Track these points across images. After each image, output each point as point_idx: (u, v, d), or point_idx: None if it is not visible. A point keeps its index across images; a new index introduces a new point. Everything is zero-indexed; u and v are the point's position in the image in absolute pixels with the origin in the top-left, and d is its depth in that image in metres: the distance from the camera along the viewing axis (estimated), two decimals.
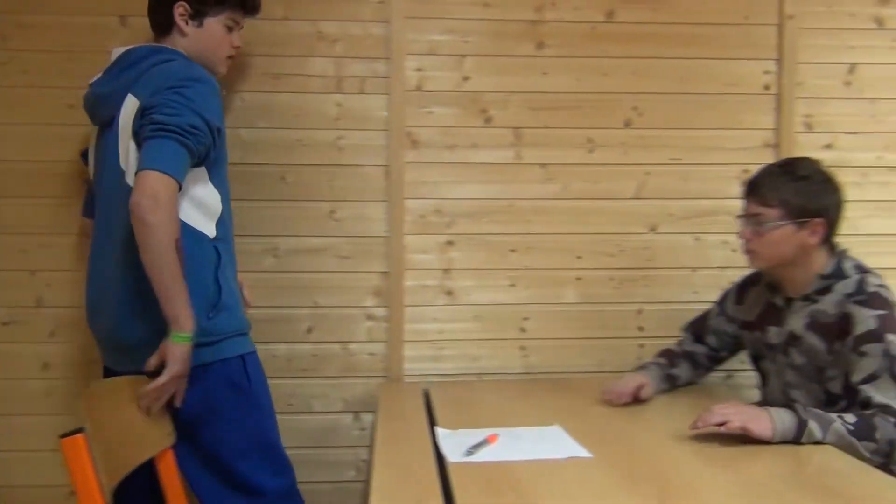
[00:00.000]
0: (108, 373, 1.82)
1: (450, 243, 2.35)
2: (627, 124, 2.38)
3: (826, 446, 1.58)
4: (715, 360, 2.14)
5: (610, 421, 1.79)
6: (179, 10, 1.81)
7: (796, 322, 1.83)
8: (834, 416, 1.62)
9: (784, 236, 1.78)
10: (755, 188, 1.82)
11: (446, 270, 2.35)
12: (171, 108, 1.60)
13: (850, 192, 2.41)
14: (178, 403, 1.67)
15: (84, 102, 1.86)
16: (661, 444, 1.60)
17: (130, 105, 1.69)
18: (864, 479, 1.41)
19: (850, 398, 1.74)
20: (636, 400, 1.93)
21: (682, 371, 2.09)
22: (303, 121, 2.30)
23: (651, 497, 1.29)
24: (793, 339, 1.83)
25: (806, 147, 2.40)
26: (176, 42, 1.83)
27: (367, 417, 2.32)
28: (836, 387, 1.77)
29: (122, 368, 1.72)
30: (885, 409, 1.63)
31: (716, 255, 2.42)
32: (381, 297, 2.33)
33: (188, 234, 1.67)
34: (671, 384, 2.07)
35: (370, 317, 2.34)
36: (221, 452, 1.73)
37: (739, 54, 2.40)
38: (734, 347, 2.10)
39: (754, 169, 2.39)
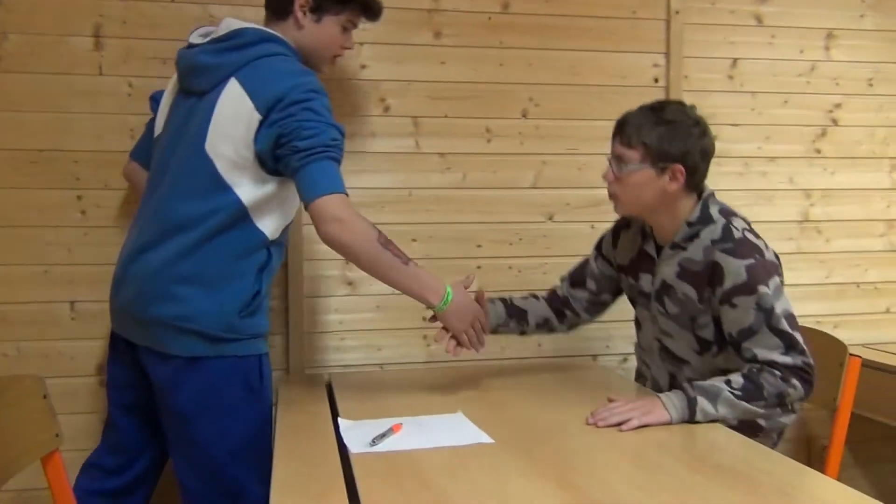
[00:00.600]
0: (116, 339, 1.80)
1: None
2: (524, 115, 2.41)
3: (717, 424, 1.65)
4: (597, 303, 2.09)
5: (511, 407, 1.81)
6: (300, 1, 1.75)
7: (667, 271, 1.81)
8: (720, 384, 1.64)
9: (644, 181, 1.73)
10: (621, 128, 1.76)
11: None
12: (308, 129, 1.58)
13: (732, 182, 2.55)
14: (480, 347, 1.85)
15: (178, 59, 1.78)
16: (561, 429, 1.63)
17: (234, 92, 1.63)
18: (752, 456, 1.47)
19: (720, 345, 1.79)
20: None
21: (535, 309, 2.06)
22: None
23: (551, 480, 1.31)
24: (665, 288, 1.82)
25: None
26: (288, 31, 1.76)
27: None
28: (707, 334, 1.79)
29: (135, 340, 1.73)
30: (770, 364, 1.65)
31: None
32: (280, 288, 2.28)
33: (249, 229, 1.66)
34: (513, 313, 2.04)
35: (270, 309, 2.27)
36: (217, 449, 1.67)
37: (629, 47, 2.46)
38: (615, 290, 2.07)
39: None
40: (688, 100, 2.47)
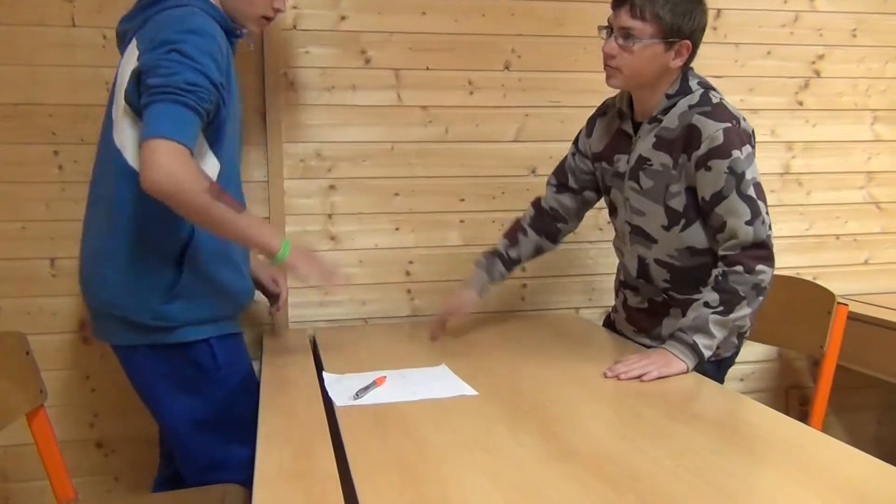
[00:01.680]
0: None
1: (332, 188, 2.30)
2: (507, 67, 2.37)
3: (695, 374, 1.66)
4: (582, 205, 2.05)
5: (494, 359, 1.82)
6: None
7: (644, 145, 1.78)
8: (701, 310, 1.66)
9: (652, 55, 1.68)
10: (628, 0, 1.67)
11: (329, 215, 2.30)
12: (165, 67, 1.44)
13: None
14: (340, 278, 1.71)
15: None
16: (544, 380, 1.64)
17: (130, 54, 1.55)
18: (731, 405, 1.49)
19: (688, 218, 1.76)
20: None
21: (526, 246, 2.05)
22: None
23: (534, 430, 1.32)
24: (641, 162, 1.79)
25: None
26: None
27: (253, 365, 2.26)
28: (677, 204, 1.76)
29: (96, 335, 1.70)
30: (732, 250, 1.66)
31: None
32: None
33: (160, 206, 1.48)
34: (513, 265, 2.06)
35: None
36: (180, 423, 1.66)
37: None
38: (596, 186, 2.02)
39: None
40: None
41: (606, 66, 1.74)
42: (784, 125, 2.59)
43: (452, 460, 1.19)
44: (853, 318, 2.23)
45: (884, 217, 2.70)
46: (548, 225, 2.06)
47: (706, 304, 1.66)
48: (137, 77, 1.49)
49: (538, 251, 2.08)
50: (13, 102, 2.10)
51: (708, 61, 2.50)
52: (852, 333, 2.17)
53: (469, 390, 1.55)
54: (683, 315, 1.74)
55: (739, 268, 1.65)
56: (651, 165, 1.77)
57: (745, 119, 1.72)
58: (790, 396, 2.69)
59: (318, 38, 2.25)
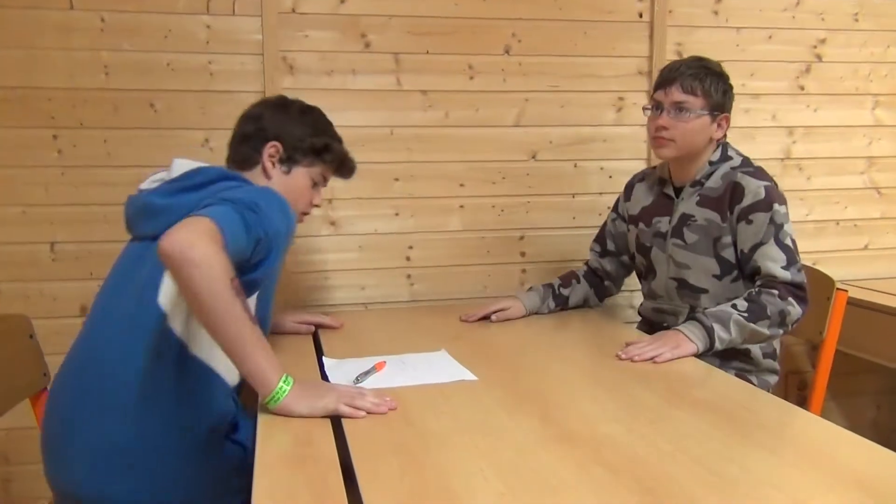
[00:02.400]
0: None
1: None
2: (507, 51, 2.36)
3: (695, 360, 1.67)
4: (622, 269, 2.18)
5: (494, 344, 1.82)
6: (271, 151, 1.64)
7: (687, 205, 1.92)
8: (728, 308, 1.74)
9: (700, 127, 1.85)
10: (678, 77, 1.84)
11: (329, 200, 2.30)
12: (230, 192, 1.41)
13: None
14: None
15: (126, 205, 1.60)
16: (544, 365, 1.64)
17: None
18: (730, 390, 1.49)
19: (740, 267, 1.86)
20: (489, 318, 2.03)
21: (578, 291, 2.14)
22: (171, 43, 2.15)
23: (534, 414, 1.33)
24: (685, 220, 1.91)
25: None
26: (256, 180, 1.63)
27: None
28: (729, 255, 1.86)
29: None
30: (769, 280, 1.76)
31: (593, 181, 2.47)
32: None
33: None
34: (562, 304, 2.12)
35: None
36: None
37: None
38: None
39: (629, 97, 2.45)
40: (672, 35, 2.45)
41: (658, 138, 1.88)
42: (785, 110, 2.58)
43: (452, 445, 1.19)
44: (853, 303, 2.23)
45: (884, 202, 2.69)
46: (598, 282, 2.17)
47: (734, 306, 1.75)
48: None
49: (585, 302, 2.18)
50: (11, 86, 2.09)
51: (709, 45, 2.49)
52: (852, 319, 2.17)
53: (469, 375, 1.55)
54: (722, 351, 1.78)
55: (775, 291, 1.75)
56: (695, 221, 1.90)
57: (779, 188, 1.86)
58: (789, 382, 2.70)
59: (318, 21, 2.23)
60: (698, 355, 1.70)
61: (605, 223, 2.19)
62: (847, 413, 2.76)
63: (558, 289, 2.12)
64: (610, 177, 2.46)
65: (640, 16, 2.43)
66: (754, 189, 1.80)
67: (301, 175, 1.68)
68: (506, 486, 1.05)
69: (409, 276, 2.38)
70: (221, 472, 1.51)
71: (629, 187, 2.13)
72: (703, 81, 1.84)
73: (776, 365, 1.95)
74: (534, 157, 2.42)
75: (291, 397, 1.29)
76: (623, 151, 2.47)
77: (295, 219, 1.56)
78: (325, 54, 2.25)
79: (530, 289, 2.13)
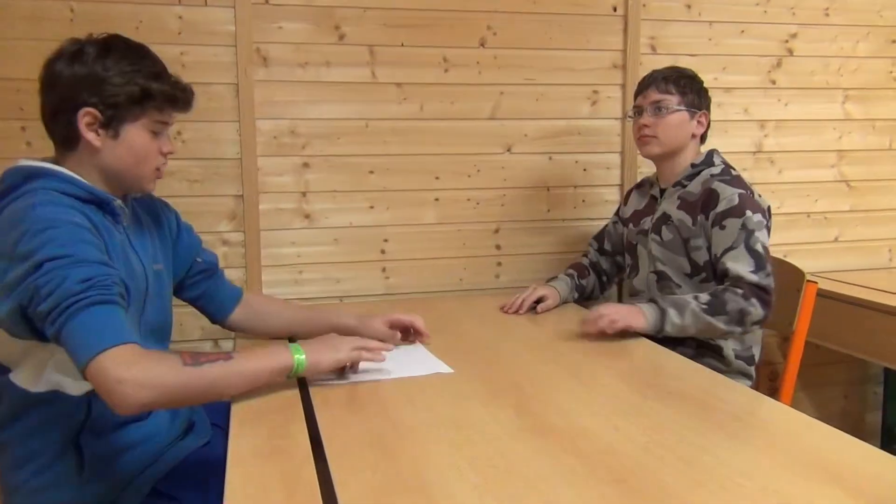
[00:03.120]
0: None
1: (306, 165, 2.28)
2: (482, 44, 2.36)
3: (671, 353, 1.68)
4: (616, 268, 2.26)
5: (470, 337, 1.82)
6: (86, 119, 1.36)
7: (668, 205, 2.00)
8: (689, 298, 1.80)
9: (681, 121, 1.97)
10: (654, 81, 1.99)
11: (303, 193, 2.29)
12: (45, 285, 1.21)
13: None
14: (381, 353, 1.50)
15: None
16: (519, 358, 1.65)
17: None
18: (704, 381, 1.50)
19: (707, 271, 1.93)
20: (534, 310, 2.05)
21: (590, 282, 2.21)
22: (143, 34, 2.12)
23: (510, 407, 1.33)
24: (664, 219, 1.99)
25: (650, 68, 2.45)
26: (83, 161, 1.39)
27: (226, 344, 2.25)
28: (699, 257, 1.93)
29: None
30: (736, 281, 1.80)
31: (568, 174, 2.48)
32: (235, 222, 2.24)
33: (44, 400, 1.34)
34: (581, 293, 2.19)
35: (225, 242, 2.24)
36: None
37: None
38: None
39: (604, 90, 2.46)
40: (646, 29, 2.46)
41: (642, 137, 1.99)
42: (757, 104, 2.60)
43: (427, 438, 1.19)
44: (823, 295, 2.26)
45: (854, 195, 2.73)
46: (598, 276, 2.25)
47: (695, 297, 1.80)
48: (17, 310, 1.25)
49: (593, 292, 2.24)
50: None
51: (682, 40, 2.50)
52: (822, 310, 2.20)
53: (444, 368, 1.55)
54: (696, 347, 1.88)
55: (739, 291, 1.78)
56: (672, 221, 1.97)
57: (761, 196, 1.92)
58: (760, 373, 2.72)
59: (292, 13, 2.22)
60: (653, 338, 1.76)
61: (606, 225, 2.28)
62: (817, 403, 2.80)
63: (577, 279, 2.18)
64: (584, 170, 2.47)
65: (615, 10, 2.44)
66: (728, 196, 1.86)
67: (134, 133, 1.40)
68: (481, 477, 1.05)
69: (384, 270, 2.37)
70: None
71: (628, 194, 2.24)
72: (677, 82, 1.97)
73: (750, 369, 1.99)
74: (509, 150, 2.42)
75: (312, 361, 1.40)
76: (598, 145, 2.48)
77: (97, 220, 1.35)
78: (299, 46, 2.23)
79: (554, 279, 2.17)
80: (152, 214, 1.58)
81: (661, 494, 1.00)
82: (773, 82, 2.60)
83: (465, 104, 2.37)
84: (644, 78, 2.04)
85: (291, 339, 1.63)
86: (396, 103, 2.32)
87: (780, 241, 2.66)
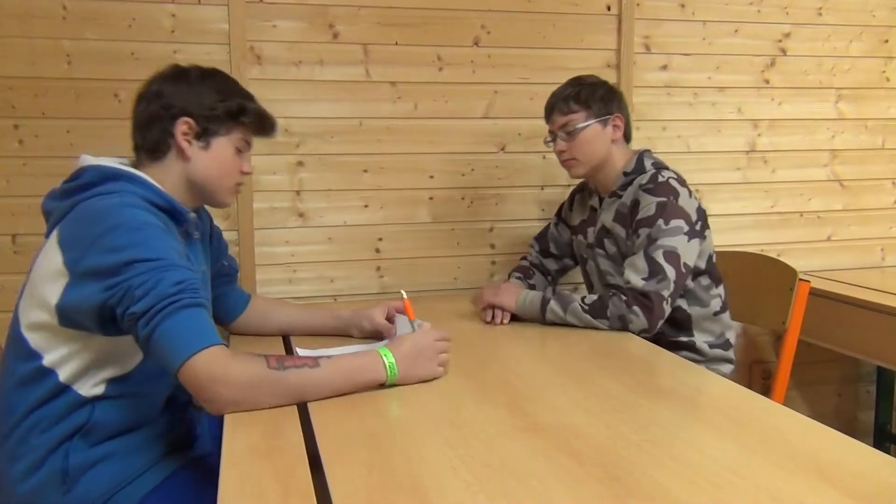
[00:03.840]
0: None
1: (300, 164, 2.28)
2: (476, 42, 2.36)
3: (664, 352, 1.69)
4: (563, 269, 2.25)
5: (463, 336, 1.82)
6: (183, 128, 1.46)
7: (606, 217, 2.00)
8: (575, 296, 1.85)
9: (593, 135, 1.94)
10: (555, 105, 1.97)
11: (297, 192, 2.29)
12: (139, 286, 1.25)
13: (683, 112, 2.55)
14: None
15: None
16: (513, 357, 1.65)
17: (51, 250, 1.34)
18: (695, 380, 1.51)
19: None
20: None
21: (538, 281, 2.19)
22: (136, 32, 2.12)
23: (502, 405, 1.33)
24: (605, 232, 2.00)
25: (644, 67, 2.48)
26: (170, 170, 1.47)
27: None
28: None
29: None
30: (625, 286, 1.81)
31: (562, 173, 2.46)
32: (229, 220, 2.24)
33: (51, 386, 1.35)
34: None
35: None
36: None
37: None
38: (573, 254, 2.21)
39: None
40: (640, 28, 2.46)
41: (563, 162, 1.99)
42: (750, 103, 2.61)
43: (421, 436, 1.20)
44: (815, 293, 2.27)
45: (846, 194, 2.74)
46: (542, 275, 2.24)
47: (582, 298, 1.84)
48: (101, 308, 1.29)
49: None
50: None
51: (676, 39, 2.51)
52: (814, 309, 2.21)
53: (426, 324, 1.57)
54: (666, 344, 1.84)
55: (623, 297, 1.80)
56: (612, 235, 1.98)
57: (693, 197, 1.89)
58: (753, 371, 2.74)
59: (286, 11, 2.22)
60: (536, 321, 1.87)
61: (548, 225, 2.25)
62: (810, 402, 2.82)
63: (524, 280, 2.15)
64: None
65: (609, 9, 2.44)
66: (647, 205, 1.86)
67: (223, 146, 1.51)
68: (474, 476, 1.06)
69: (378, 269, 2.38)
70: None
71: (572, 196, 2.21)
72: (577, 98, 1.94)
73: (729, 354, 2.00)
74: (503, 149, 2.43)
75: (404, 375, 1.42)
76: None
77: (172, 228, 1.43)
78: (292, 44, 2.23)
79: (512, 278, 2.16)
80: (200, 220, 1.63)
81: (655, 492, 1.01)
82: (767, 82, 2.62)
83: (459, 103, 2.37)
84: (546, 104, 2.01)
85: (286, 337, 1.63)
86: (390, 102, 2.32)
87: (773, 240, 2.68)
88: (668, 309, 1.80)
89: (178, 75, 1.52)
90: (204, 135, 1.49)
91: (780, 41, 2.61)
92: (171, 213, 1.44)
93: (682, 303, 1.94)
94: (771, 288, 2.09)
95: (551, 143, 2.01)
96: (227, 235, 2.21)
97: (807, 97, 2.66)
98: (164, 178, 1.47)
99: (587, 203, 2.10)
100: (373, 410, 1.31)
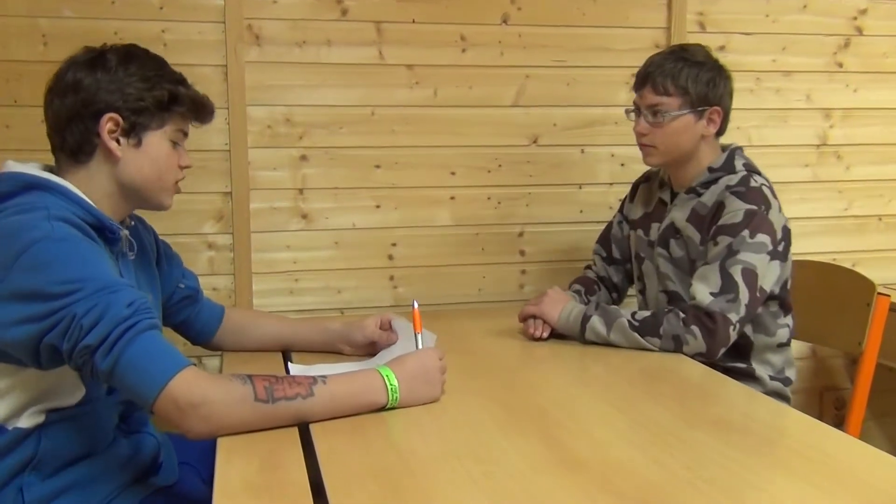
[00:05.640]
0: None
1: (303, 158, 2.29)
2: (505, 20, 2.37)
3: (717, 374, 1.68)
4: (628, 277, 2.20)
5: (489, 356, 1.82)
6: (109, 126, 1.41)
7: (678, 214, 1.96)
8: (623, 311, 1.84)
9: (683, 127, 1.90)
10: (650, 77, 1.91)
11: (300, 190, 2.30)
12: (88, 313, 1.24)
13: (743, 100, 2.53)
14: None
15: None
16: (545, 380, 1.65)
17: None
18: (757, 410, 1.50)
19: None
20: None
21: (600, 298, 2.15)
22: (119, 9, 2.14)
23: (534, 436, 1.33)
24: (673, 231, 1.97)
25: None
26: (97, 174, 1.44)
27: (212, 363, 2.26)
28: None
29: None
30: (689, 302, 1.79)
31: (603, 170, 2.48)
32: (223, 223, 2.26)
33: None
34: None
35: (211, 245, 2.26)
36: None
37: None
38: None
39: None
40: (693, 3, 2.45)
41: (641, 144, 1.95)
42: (821, 90, 2.59)
43: (440, 471, 1.19)
44: None
45: None
46: (606, 290, 2.21)
47: (632, 314, 1.82)
48: (40, 340, 1.26)
49: None
50: None
51: (735, 16, 2.50)
52: (895, 328, 2.18)
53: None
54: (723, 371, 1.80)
55: (682, 315, 1.78)
56: (682, 236, 1.95)
57: (781, 212, 1.88)
58: (825, 399, 2.72)
59: None
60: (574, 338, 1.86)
61: (610, 224, 2.22)
62: (891, 435, 2.78)
63: (585, 295, 2.13)
64: (622, 165, 2.47)
65: None
66: (734, 210, 1.83)
67: (156, 141, 1.47)
68: None
69: (391, 278, 2.38)
70: None
71: (634, 187, 2.17)
72: (678, 77, 1.88)
73: (787, 391, 1.98)
74: (535, 142, 2.43)
75: (406, 399, 1.43)
76: None
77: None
78: (296, 22, 2.24)
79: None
80: (137, 239, 1.59)
81: None
82: (840, 65, 2.60)
83: (485, 89, 2.37)
84: (640, 71, 1.95)
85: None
86: (407, 88, 2.33)
87: (847, 248, 2.65)
88: (733, 336, 1.78)
89: (95, 62, 1.45)
90: (133, 131, 1.44)
91: (856, 18, 2.59)
92: (100, 230, 1.40)
93: (747, 328, 1.91)
94: (845, 304, 2.06)
95: (632, 116, 1.97)
96: (219, 239, 2.25)
97: (886, 83, 2.64)
98: (91, 185, 1.44)
99: (654, 195, 2.07)
100: (384, 439, 1.31)
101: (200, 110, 1.54)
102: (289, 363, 1.69)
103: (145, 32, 2.15)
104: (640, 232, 2.08)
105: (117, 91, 1.43)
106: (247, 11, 2.21)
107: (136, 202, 1.51)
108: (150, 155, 1.47)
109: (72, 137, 1.43)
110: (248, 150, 2.24)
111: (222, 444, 1.28)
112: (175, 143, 1.51)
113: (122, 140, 1.44)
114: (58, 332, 1.25)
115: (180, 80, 1.51)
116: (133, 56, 1.48)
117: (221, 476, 1.17)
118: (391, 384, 1.41)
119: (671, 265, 1.97)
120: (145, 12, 2.16)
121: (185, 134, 1.54)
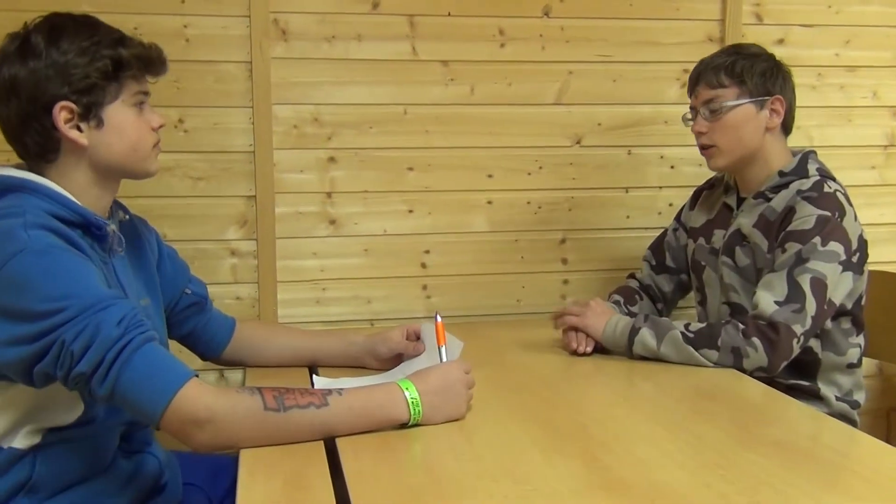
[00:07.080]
0: None
1: (331, 160, 2.31)
2: (546, 12, 2.37)
3: (775, 392, 1.66)
4: (680, 290, 2.20)
5: (527, 371, 1.82)
6: (64, 116, 1.39)
7: (745, 221, 1.95)
8: (675, 323, 1.83)
9: (745, 118, 1.90)
10: (703, 74, 1.93)
11: (328, 194, 2.32)
12: (81, 337, 1.25)
13: (804, 97, 2.49)
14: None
15: None
16: (586, 397, 1.65)
17: None
18: (819, 431, 1.48)
19: None
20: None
21: (643, 308, 2.14)
22: (139, 2, 2.18)
23: (575, 457, 1.33)
24: (739, 238, 1.96)
25: (756, 42, 2.45)
26: (70, 167, 1.43)
27: (234, 376, 2.29)
28: None
29: None
30: (751, 311, 1.78)
31: (652, 172, 2.47)
32: (247, 228, 2.28)
33: None
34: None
35: (234, 252, 2.28)
36: None
37: None
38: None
39: None
40: None
41: (702, 148, 1.97)
42: (888, 86, 2.57)
43: (475, 492, 1.20)
44: None
45: None
46: (652, 297, 2.20)
47: (685, 325, 1.81)
48: (31, 364, 1.28)
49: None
50: None
51: (794, 7, 2.48)
52: None
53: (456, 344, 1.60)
54: (785, 389, 1.80)
55: (742, 326, 1.75)
56: (748, 243, 1.94)
57: (857, 221, 1.87)
58: (892, 420, 2.68)
59: None
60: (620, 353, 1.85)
61: (664, 231, 2.21)
62: None
63: (624, 305, 2.11)
64: (672, 167, 2.46)
65: None
66: (805, 216, 1.82)
67: (117, 113, 1.44)
68: None
69: (424, 287, 2.39)
70: None
71: (697, 193, 2.17)
72: (731, 69, 1.90)
73: (854, 415, 1.96)
74: (578, 143, 2.42)
75: (428, 416, 1.43)
76: (688, 136, 2.44)
77: (86, 246, 1.39)
78: (324, 16, 2.26)
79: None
80: (132, 237, 1.60)
81: None
82: None
83: (524, 86, 2.38)
84: (692, 73, 1.98)
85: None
86: (441, 85, 2.34)
87: None
88: (797, 349, 1.77)
89: (23, 50, 1.41)
90: (90, 112, 1.41)
91: None
92: (86, 227, 1.41)
93: (815, 344, 1.89)
94: None
95: (690, 122, 1.98)
96: (243, 246, 2.27)
97: None
98: (69, 180, 1.43)
99: (719, 200, 2.07)
100: (414, 458, 1.32)
101: (151, 65, 1.48)
102: (314, 376, 1.71)
103: (166, 27, 2.19)
104: (701, 241, 2.07)
105: (57, 76, 1.38)
106: (273, 5, 2.23)
107: (120, 178, 1.50)
108: (117, 129, 1.44)
109: (31, 140, 1.42)
110: (273, 152, 2.26)
111: (244, 463, 1.29)
112: (139, 106, 1.47)
113: (82, 126, 1.41)
114: (49, 360, 1.26)
115: (119, 40, 1.45)
116: (60, 29, 1.42)
117: (244, 497, 1.19)
118: (412, 397, 1.41)
119: (736, 275, 1.96)
120: (166, 6, 2.19)
121: (146, 93, 1.49)
